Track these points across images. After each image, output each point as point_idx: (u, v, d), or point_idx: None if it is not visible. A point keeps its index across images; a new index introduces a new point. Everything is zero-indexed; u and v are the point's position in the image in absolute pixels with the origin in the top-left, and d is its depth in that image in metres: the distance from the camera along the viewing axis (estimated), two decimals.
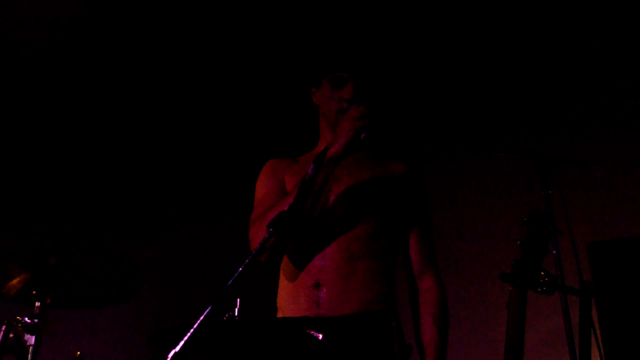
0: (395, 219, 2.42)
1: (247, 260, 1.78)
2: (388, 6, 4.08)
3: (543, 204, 2.10)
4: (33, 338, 2.67)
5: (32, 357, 2.65)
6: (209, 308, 1.75)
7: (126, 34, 4.22)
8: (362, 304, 2.27)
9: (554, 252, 2.10)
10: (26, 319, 2.67)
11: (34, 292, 2.76)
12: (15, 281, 2.87)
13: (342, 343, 2.21)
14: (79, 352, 3.37)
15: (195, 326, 1.72)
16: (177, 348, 1.72)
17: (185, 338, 1.72)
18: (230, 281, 1.75)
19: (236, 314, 2.45)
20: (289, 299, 2.34)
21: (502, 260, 3.07)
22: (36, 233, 2.81)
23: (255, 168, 2.61)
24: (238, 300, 2.45)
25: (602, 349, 2.01)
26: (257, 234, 2.23)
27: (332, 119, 2.43)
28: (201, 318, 1.73)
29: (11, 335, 2.72)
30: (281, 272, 2.41)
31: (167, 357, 1.73)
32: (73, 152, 4.44)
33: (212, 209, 4.34)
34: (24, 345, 2.68)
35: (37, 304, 2.74)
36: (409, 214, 2.46)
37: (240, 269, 1.76)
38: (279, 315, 2.39)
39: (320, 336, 2.11)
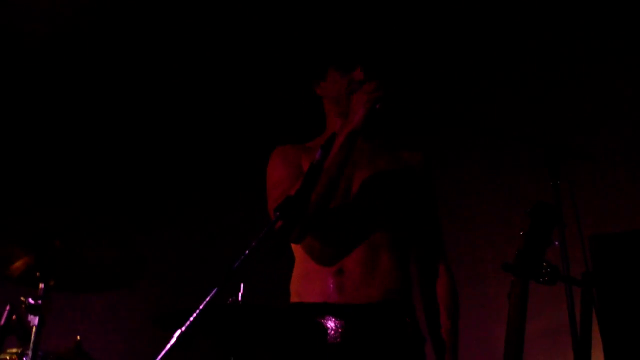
0: (413, 209, 2.45)
1: (253, 244, 1.78)
2: None
3: (550, 194, 2.12)
4: (36, 319, 2.68)
5: (34, 337, 2.66)
6: (215, 290, 1.75)
7: (131, 22, 4.22)
8: (383, 293, 2.31)
9: (557, 243, 2.13)
10: (30, 300, 2.68)
11: (37, 273, 2.77)
12: (19, 263, 2.88)
13: (360, 331, 2.23)
14: (78, 337, 3.39)
15: (201, 306, 1.73)
16: (184, 327, 1.73)
17: (192, 318, 1.73)
18: (237, 263, 1.76)
19: (239, 298, 2.47)
20: (308, 284, 2.35)
21: (507, 250, 3.08)
22: (41, 216, 2.82)
23: (261, 153, 2.61)
24: (242, 284, 2.47)
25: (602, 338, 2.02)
26: None
27: (344, 103, 2.42)
28: (207, 299, 1.74)
29: (14, 317, 2.74)
30: (299, 256, 2.42)
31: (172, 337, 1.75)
32: (80, 136, 4.45)
33: (217, 193, 4.35)
34: (27, 326, 2.69)
35: (41, 285, 2.74)
36: (423, 204, 2.49)
37: (247, 252, 1.76)
38: (294, 299, 2.40)
39: (333, 324, 2.14)
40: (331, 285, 2.30)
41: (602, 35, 3.81)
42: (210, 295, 1.75)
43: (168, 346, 1.72)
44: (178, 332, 1.72)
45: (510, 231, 3.35)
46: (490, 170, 3.82)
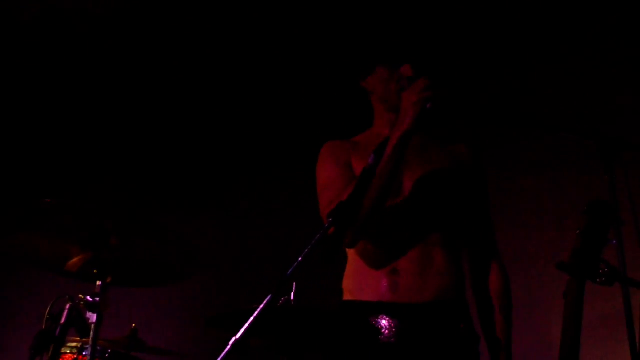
0: (466, 206, 2.43)
1: (306, 250, 1.79)
2: None
3: (606, 189, 2.07)
4: (95, 316, 2.74)
5: (93, 334, 2.73)
6: (269, 297, 1.77)
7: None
8: (437, 292, 2.31)
9: (615, 241, 2.08)
10: (88, 297, 2.73)
11: (95, 271, 2.83)
12: (76, 259, 2.94)
13: (415, 331, 2.23)
14: (134, 325, 3.48)
15: (255, 314, 1.75)
16: (238, 335, 1.75)
17: (246, 325, 1.74)
18: (290, 270, 1.77)
19: (292, 297, 2.49)
20: (362, 283, 2.36)
21: (562, 249, 3.02)
22: (96, 213, 2.87)
23: (311, 149, 2.61)
24: (294, 284, 2.49)
25: None
26: None
27: (393, 99, 2.41)
28: (261, 306, 1.75)
29: (74, 314, 2.81)
30: (351, 255, 2.42)
31: (227, 343, 1.77)
32: (131, 134, 4.52)
33: (273, 191, 4.38)
34: (86, 322, 2.76)
35: (98, 282, 2.80)
36: (475, 199, 2.46)
37: (300, 258, 1.77)
38: (347, 297, 2.41)
39: (387, 323, 2.13)
40: (385, 284, 2.30)
41: None
42: (264, 302, 1.77)
43: (223, 354, 1.74)
44: (233, 340, 1.74)
45: (564, 228, 3.32)
46: (543, 166, 3.75)
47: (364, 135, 2.56)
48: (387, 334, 2.24)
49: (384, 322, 2.26)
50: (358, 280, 2.38)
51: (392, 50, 2.43)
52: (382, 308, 2.28)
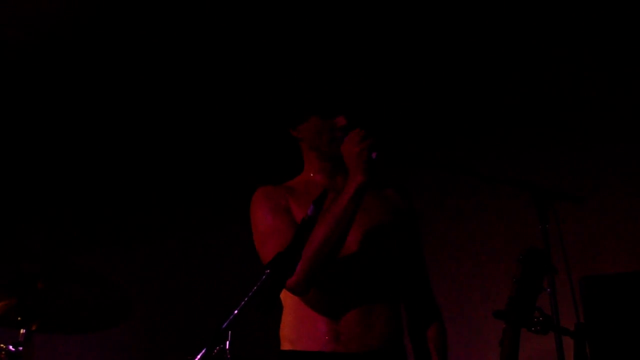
0: (406, 253, 2.44)
1: (243, 301, 1.75)
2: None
3: (539, 237, 2.11)
4: None
5: None
6: (204, 350, 1.72)
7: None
8: (379, 342, 2.28)
9: (549, 290, 2.11)
10: (10, 347, 2.61)
11: (19, 318, 2.71)
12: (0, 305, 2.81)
13: None
14: None
15: None
16: None
17: None
18: (226, 324, 1.74)
19: (227, 346, 2.42)
20: (302, 332, 2.31)
21: (497, 295, 3.07)
22: (21, 258, 2.77)
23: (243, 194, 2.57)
24: (229, 332, 2.42)
25: None
26: None
27: (326, 148, 2.40)
28: None
29: None
30: (291, 303, 2.36)
31: None
32: (60, 166, 4.39)
33: (204, 235, 4.30)
34: None
35: (22, 331, 2.68)
36: (412, 245, 2.48)
37: (236, 311, 1.73)
38: (286, 347, 2.36)
39: None
40: (326, 334, 2.27)
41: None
42: (199, 356, 1.72)
43: None
44: None
45: (499, 275, 3.37)
46: (478, 214, 3.81)
47: (295, 181, 2.53)
48: None
49: None
50: (297, 329, 2.33)
51: (325, 101, 2.40)
52: (323, 358, 2.25)
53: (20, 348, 2.61)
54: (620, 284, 2.66)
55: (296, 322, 2.35)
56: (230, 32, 4.14)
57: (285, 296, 2.36)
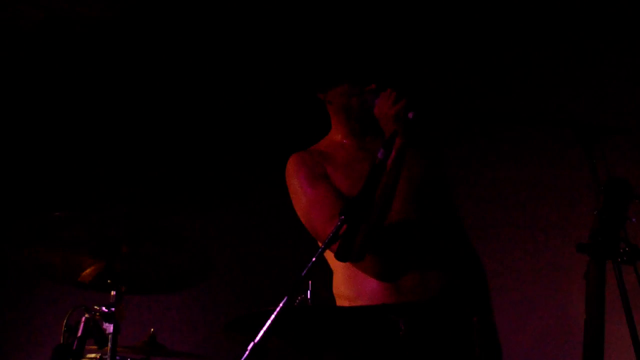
0: (447, 208, 2.42)
1: (320, 250, 1.76)
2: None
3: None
4: (111, 326, 2.72)
5: (111, 344, 2.71)
6: (285, 298, 1.74)
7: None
8: (442, 288, 2.26)
9: (634, 219, 2.04)
10: (104, 308, 2.71)
11: (108, 281, 2.81)
12: (89, 270, 2.93)
13: (423, 328, 2.18)
14: (152, 329, 3.46)
15: (272, 317, 1.72)
16: (257, 339, 1.72)
17: (264, 329, 1.72)
18: (305, 272, 1.74)
19: (309, 296, 2.46)
20: (360, 290, 2.30)
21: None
22: (106, 223, 2.86)
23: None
24: (310, 282, 2.45)
25: None
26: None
27: (356, 113, 2.40)
28: (278, 309, 1.73)
29: (91, 324, 2.79)
30: (342, 264, 2.34)
31: (246, 347, 1.74)
32: (137, 142, 4.51)
33: (280, 196, 4.35)
34: (103, 333, 2.74)
35: (113, 292, 2.79)
36: (452, 193, 2.48)
37: (314, 259, 1.74)
38: (342, 304, 2.35)
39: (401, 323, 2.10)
40: (386, 289, 2.26)
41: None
42: (281, 304, 1.74)
43: (243, 358, 1.71)
44: (251, 345, 1.71)
45: (558, 219, 3.31)
46: (524, 161, 3.71)
47: (324, 144, 2.51)
48: (402, 334, 2.20)
49: (398, 323, 2.22)
50: (355, 287, 2.31)
51: (358, 69, 2.38)
52: (389, 309, 2.21)
53: (113, 309, 2.71)
54: None
55: (350, 279, 2.33)
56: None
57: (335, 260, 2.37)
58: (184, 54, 4.42)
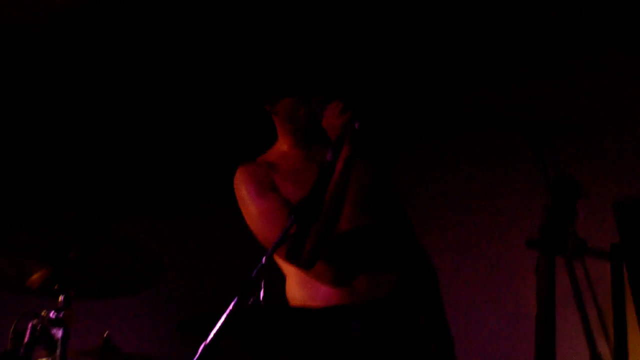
0: (396, 213, 2.47)
1: (270, 250, 1.76)
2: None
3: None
4: (60, 331, 2.67)
5: (60, 350, 2.66)
6: (236, 299, 1.73)
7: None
8: (392, 288, 2.28)
9: (581, 214, 2.07)
10: (52, 313, 2.67)
11: (56, 286, 2.76)
12: (36, 275, 2.88)
13: (375, 329, 2.19)
14: (107, 332, 3.40)
15: (223, 317, 1.71)
16: (208, 340, 1.71)
17: (215, 330, 1.71)
18: (255, 272, 1.74)
19: (261, 297, 2.44)
20: (313, 293, 2.31)
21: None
22: (52, 228, 2.81)
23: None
24: (262, 282, 2.43)
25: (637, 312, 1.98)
26: None
27: (303, 123, 2.42)
28: (228, 309, 1.72)
29: (38, 329, 2.74)
30: (295, 269, 2.36)
31: (198, 348, 1.73)
32: (83, 146, 4.43)
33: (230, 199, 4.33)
34: (52, 338, 2.69)
35: (61, 297, 2.74)
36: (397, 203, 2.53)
37: (264, 259, 1.74)
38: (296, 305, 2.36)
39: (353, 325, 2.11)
40: (338, 291, 2.28)
41: None
42: (231, 305, 1.73)
43: (195, 358, 1.71)
44: (203, 346, 1.70)
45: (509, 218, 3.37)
46: (475, 160, 3.77)
47: (271, 155, 2.52)
48: (354, 335, 2.21)
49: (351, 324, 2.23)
50: (309, 291, 2.32)
51: (305, 81, 2.41)
52: (343, 311, 2.24)
53: (61, 314, 2.67)
54: None
55: (302, 283, 2.35)
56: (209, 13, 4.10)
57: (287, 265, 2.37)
58: (133, 58, 4.36)
